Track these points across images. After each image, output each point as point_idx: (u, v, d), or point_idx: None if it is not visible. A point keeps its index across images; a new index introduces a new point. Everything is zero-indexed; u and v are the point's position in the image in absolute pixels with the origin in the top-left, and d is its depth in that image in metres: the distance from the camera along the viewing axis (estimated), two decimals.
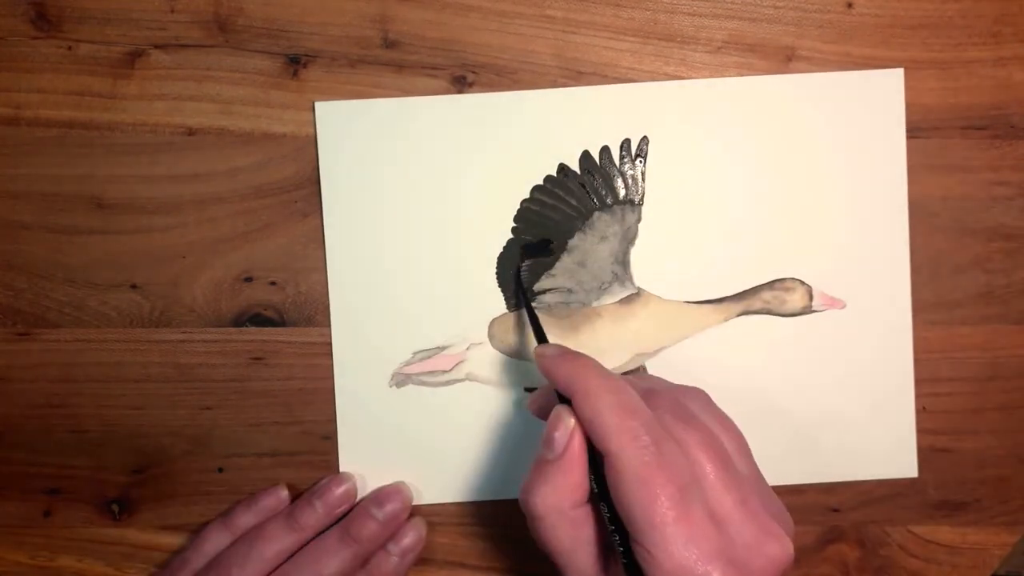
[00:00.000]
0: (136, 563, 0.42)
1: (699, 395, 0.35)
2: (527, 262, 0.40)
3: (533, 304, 0.41)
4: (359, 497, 0.41)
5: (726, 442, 0.33)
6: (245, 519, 0.40)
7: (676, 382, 0.41)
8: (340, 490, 0.40)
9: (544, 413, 0.35)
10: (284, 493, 0.41)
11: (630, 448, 0.31)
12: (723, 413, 0.35)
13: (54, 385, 0.41)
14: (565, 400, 0.33)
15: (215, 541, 0.40)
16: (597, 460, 0.32)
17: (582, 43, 0.40)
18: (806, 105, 0.40)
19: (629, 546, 0.30)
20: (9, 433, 0.42)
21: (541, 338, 0.37)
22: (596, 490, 0.32)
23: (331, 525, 0.40)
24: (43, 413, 0.41)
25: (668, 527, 0.30)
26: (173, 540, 0.42)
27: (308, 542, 0.39)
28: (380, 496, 0.40)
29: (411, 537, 0.40)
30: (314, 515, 0.39)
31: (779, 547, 0.31)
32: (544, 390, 0.37)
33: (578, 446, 0.32)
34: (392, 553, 0.40)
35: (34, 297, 0.41)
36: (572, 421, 0.32)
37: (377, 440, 0.41)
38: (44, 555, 0.42)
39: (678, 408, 0.33)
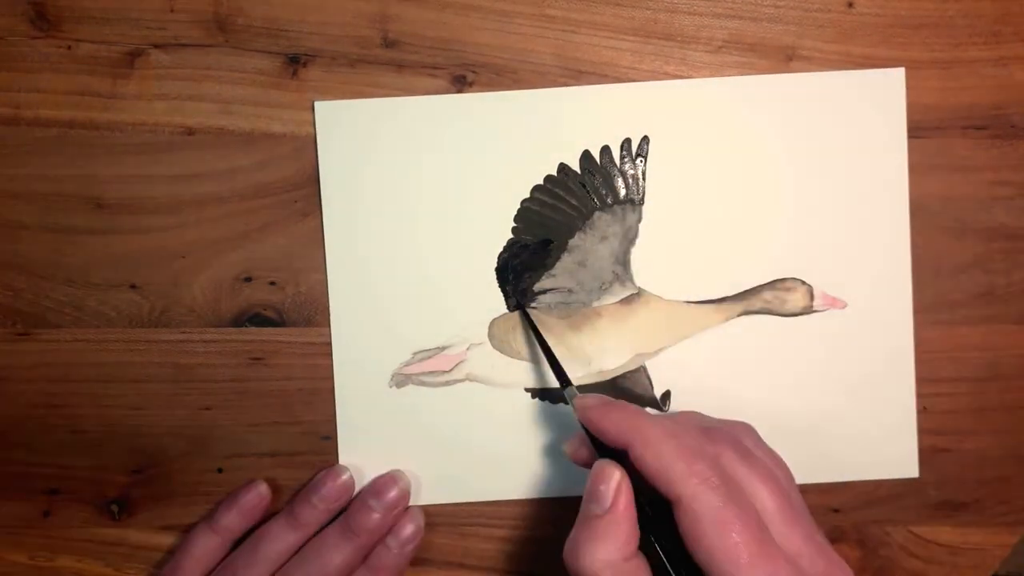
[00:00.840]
0: (136, 563, 0.42)
1: (750, 430, 0.36)
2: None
3: (533, 305, 0.41)
4: (358, 488, 0.41)
5: (781, 477, 0.34)
6: (229, 518, 0.40)
7: (674, 382, 0.41)
8: (337, 483, 0.40)
9: (588, 461, 0.35)
10: (263, 488, 0.40)
11: (702, 492, 0.31)
12: (770, 447, 0.35)
13: (54, 385, 0.41)
14: (604, 450, 0.34)
15: (203, 544, 0.40)
16: (651, 509, 0.32)
17: (582, 43, 0.40)
18: (806, 105, 0.40)
19: None
20: (9, 433, 0.42)
21: (565, 381, 0.37)
22: (656, 540, 0.32)
23: (332, 519, 0.40)
24: (43, 413, 0.41)
25: (750, 568, 0.30)
26: (172, 540, 0.42)
27: (310, 538, 0.39)
28: (377, 486, 0.40)
29: (410, 528, 0.40)
30: (314, 512, 0.40)
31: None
32: (582, 438, 0.36)
33: (626, 498, 0.32)
34: (391, 547, 0.40)
35: (34, 297, 0.41)
36: (618, 474, 0.33)
37: (377, 440, 0.41)
38: (44, 555, 0.42)
39: (736, 445, 0.34)
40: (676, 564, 0.32)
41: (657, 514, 0.33)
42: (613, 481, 0.33)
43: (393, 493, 0.40)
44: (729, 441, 0.34)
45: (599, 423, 0.34)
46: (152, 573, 0.42)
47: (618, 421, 0.33)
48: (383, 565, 0.40)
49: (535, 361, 0.41)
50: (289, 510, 0.40)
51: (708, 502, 0.31)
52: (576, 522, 0.33)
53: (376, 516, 0.39)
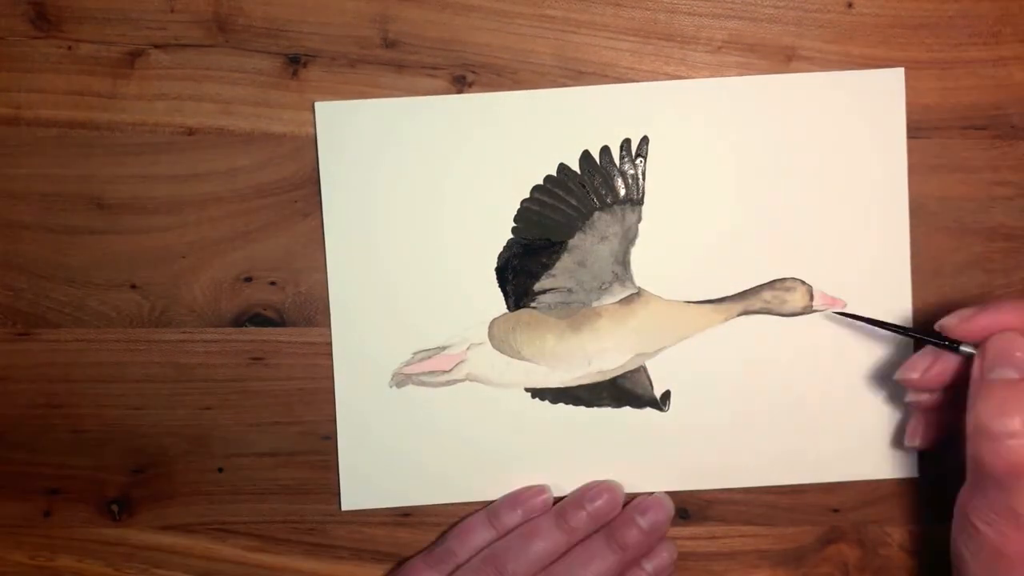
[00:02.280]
0: (136, 563, 0.42)
1: None
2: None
3: (533, 305, 0.41)
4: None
5: None
6: (510, 517, 0.40)
7: (674, 382, 0.41)
8: (608, 496, 0.40)
9: (939, 381, 0.36)
10: (550, 496, 0.41)
11: None
12: None
13: (54, 385, 0.41)
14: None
15: (481, 535, 0.40)
16: None
17: (582, 43, 0.40)
18: (806, 105, 0.40)
19: None
20: (9, 433, 0.42)
21: (902, 329, 0.38)
22: None
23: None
24: (43, 413, 0.41)
25: None
26: (173, 540, 0.42)
27: (574, 544, 0.39)
28: (643, 505, 0.40)
29: (666, 556, 0.40)
30: (583, 519, 0.39)
31: None
32: (927, 354, 0.37)
33: None
34: (646, 570, 0.40)
35: (34, 297, 0.41)
36: None
37: (377, 440, 0.41)
38: (44, 555, 0.42)
39: None
40: None
41: None
42: None
43: (658, 514, 0.40)
44: None
45: (999, 317, 0.35)
46: (422, 550, 0.41)
47: (1017, 308, 0.35)
48: None
49: (535, 361, 0.41)
50: (559, 512, 0.40)
51: None
52: (982, 391, 0.34)
53: (640, 532, 0.39)
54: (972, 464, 0.34)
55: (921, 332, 0.38)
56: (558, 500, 0.41)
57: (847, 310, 0.40)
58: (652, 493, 0.41)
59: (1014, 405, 0.33)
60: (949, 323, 0.36)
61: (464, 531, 0.40)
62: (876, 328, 0.39)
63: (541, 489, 0.41)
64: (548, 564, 0.39)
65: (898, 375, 0.38)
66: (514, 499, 0.40)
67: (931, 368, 0.37)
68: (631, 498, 0.41)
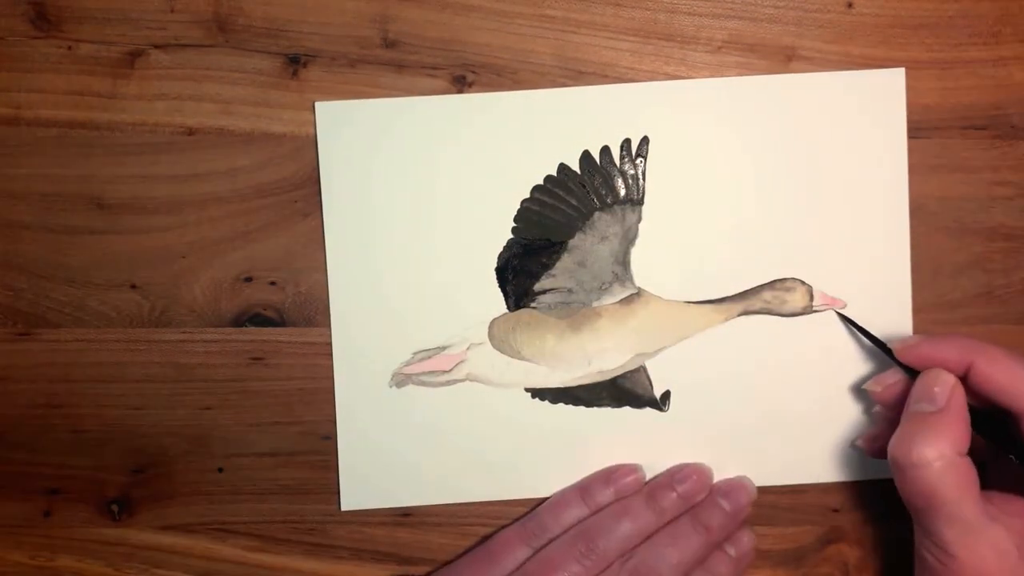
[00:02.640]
0: (136, 563, 0.42)
1: None
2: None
3: (533, 305, 0.41)
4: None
5: None
6: (603, 495, 0.40)
7: (674, 382, 0.41)
8: (698, 478, 0.40)
9: (899, 400, 0.37)
10: (642, 474, 0.41)
11: None
12: None
13: (54, 385, 0.41)
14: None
15: (574, 512, 0.40)
16: (991, 417, 0.35)
17: (582, 43, 0.40)
18: (806, 105, 0.40)
19: None
20: (9, 433, 0.42)
21: (881, 344, 0.39)
22: (998, 441, 0.35)
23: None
24: (43, 413, 0.41)
25: None
26: (173, 540, 0.42)
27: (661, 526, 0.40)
28: (726, 488, 0.40)
29: (745, 542, 0.40)
30: (671, 500, 0.40)
31: None
32: (890, 373, 0.38)
33: (960, 398, 0.35)
34: (730, 554, 0.40)
35: (34, 297, 0.41)
36: (952, 378, 0.36)
37: (377, 440, 0.41)
38: (44, 555, 0.42)
39: None
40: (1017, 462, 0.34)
41: (993, 424, 0.35)
42: (948, 384, 0.35)
43: (741, 497, 0.40)
44: None
45: (934, 352, 0.37)
46: (514, 522, 0.41)
47: (955, 346, 0.36)
48: (718, 572, 0.40)
49: (535, 361, 0.41)
50: (650, 492, 0.40)
51: None
52: (905, 420, 0.36)
53: (723, 515, 0.39)
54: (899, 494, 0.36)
55: (887, 349, 0.39)
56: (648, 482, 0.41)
57: (846, 312, 0.40)
58: (735, 477, 0.41)
59: (922, 437, 0.34)
60: (897, 347, 0.38)
61: (557, 506, 0.40)
62: (860, 336, 0.40)
63: (633, 468, 0.41)
64: (637, 543, 0.39)
65: (866, 385, 0.39)
66: (607, 476, 0.41)
67: (894, 386, 0.38)
68: None
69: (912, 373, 0.37)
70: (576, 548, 0.38)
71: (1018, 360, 0.35)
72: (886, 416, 0.39)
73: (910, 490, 0.35)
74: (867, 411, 0.41)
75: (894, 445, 0.35)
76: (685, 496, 0.40)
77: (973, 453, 0.35)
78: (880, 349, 0.39)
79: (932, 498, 0.34)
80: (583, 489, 0.40)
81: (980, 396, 0.36)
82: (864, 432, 0.40)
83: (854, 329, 0.40)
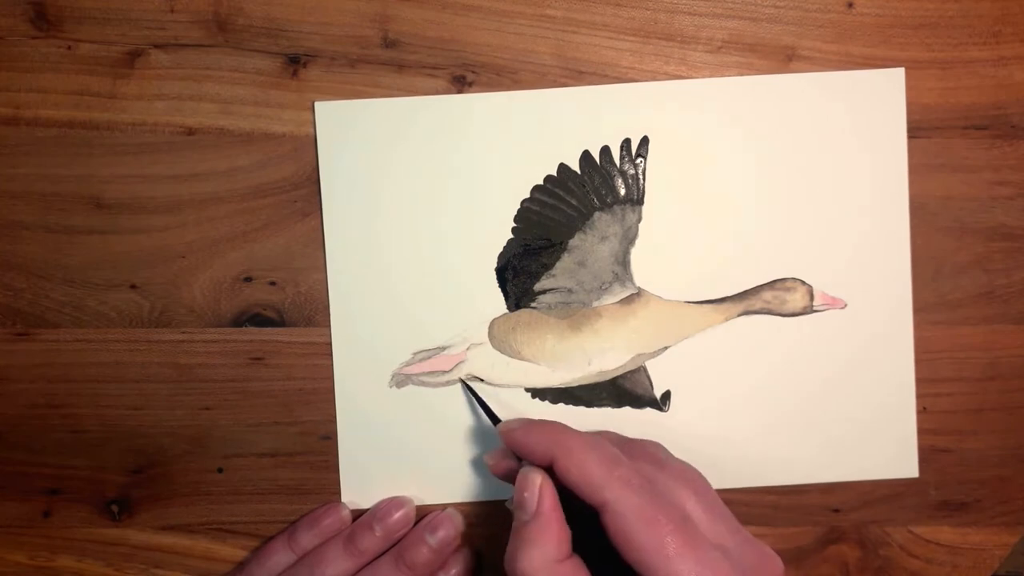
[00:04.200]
0: (136, 563, 0.42)
1: (659, 445, 0.38)
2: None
3: (533, 305, 0.41)
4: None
5: (698, 480, 0.35)
6: (308, 539, 0.40)
7: (674, 382, 0.41)
8: (399, 514, 0.40)
9: (510, 476, 0.36)
10: (346, 513, 0.41)
11: (626, 494, 0.32)
12: (681, 460, 0.37)
13: (54, 385, 0.41)
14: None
15: (279, 559, 0.40)
16: (581, 515, 0.33)
17: (582, 43, 0.40)
18: (806, 105, 0.40)
19: None
20: (9, 433, 0.42)
21: (495, 419, 0.39)
22: (585, 542, 0.33)
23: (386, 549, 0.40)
24: (43, 413, 0.41)
25: (680, 560, 0.31)
26: (172, 540, 0.42)
27: (364, 566, 0.39)
28: (433, 523, 0.40)
29: (459, 568, 0.40)
30: (373, 539, 0.39)
31: (778, 566, 0.33)
32: (503, 451, 0.37)
33: (550, 500, 0.33)
34: None
35: (34, 297, 0.41)
36: (539, 477, 0.34)
37: (377, 440, 0.41)
38: (44, 555, 0.42)
39: (652, 456, 0.36)
40: (610, 564, 0.32)
41: (587, 524, 0.33)
42: (535, 486, 0.34)
43: (447, 531, 0.40)
44: (645, 452, 0.36)
45: (524, 442, 0.35)
46: (229, 572, 0.42)
47: (540, 437, 0.34)
48: None
49: (535, 361, 0.41)
50: (349, 535, 0.40)
51: (632, 502, 0.32)
52: (510, 535, 0.34)
53: (429, 551, 0.39)
54: None
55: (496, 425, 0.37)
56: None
57: (846, 311, 0.40)
58: (444, 508, 0.41)
59: (522, 551, 0.33)
60: (500, 429, 0.36)
61: (264, 554, 0.40)
62: (480, 410, 0.40)
63: (336, 508, 0.41)
64: None
65: (484, 456, 0.38)
66: (311, 520, 0.41)
67: (503, 463, 0.37)
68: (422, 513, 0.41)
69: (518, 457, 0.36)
70: None
71: (591, 451, 0.33)
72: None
73: None
74: (892, 404, 0.41)
75: (505, 563, 0.33)
76: (387, 533, 0.40)
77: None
78: (491, 421, 0.39)
79: None
80: (289, 534, 0.40)
81: (571, 489, 0.34)
82: (489, 454, 0.39)
83: (475, 401, 0.40)
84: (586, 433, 0.35)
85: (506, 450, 0.37)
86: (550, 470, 0.34)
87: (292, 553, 0.40)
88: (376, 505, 0.41)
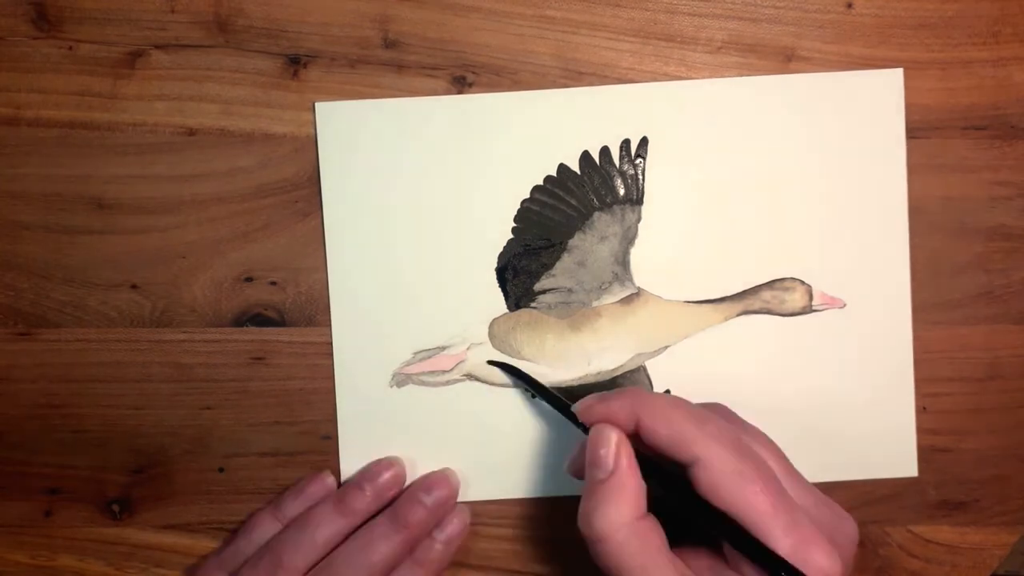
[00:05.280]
0: (136, 563, 0.42)
1: (728, 407, 0.38)
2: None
3: (533, 305, 0.41)
4: (406, 483, 0.41)
5: (772, 442, 0.36)
6: (293, 508, 0.40)
7: (674, 382, 0.41)
8: (389, 474, 0.40)
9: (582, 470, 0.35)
10: (330, 480, 0.41)
11: (717, 449, 0.32)
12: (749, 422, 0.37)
13: (54, 385, 0.41)
14: None
15: (264, 529, 0.40)
16: (667, 472, 0.34)
17: (582, 43, 0.40)
18: (806, 105, 0.40)
19: (745, 538, 0.31)
20: (9, 433, 0.42)
21: (562, 403, 0.38)
22: (673, 495, 0.33)
23: (380, 511, 0.40)
24: (43, 413, 0.41)
25: (773, 516, 0.31)
26: (173, 540, 0.42)
27: (357, 527, 0.39)
28: (428, 482, 0.40)
29: (455, 524, 0.40)
30: (363, 499, 0.39)
31: (852, 526, 0.34)
32: (581, 447, 0.36)
33: (628, 457, 0.33)
34: (437, 540, 0.40)
35: (34, 297, 0.41)
36: (615, 435, 0.34)
37: (377, 440, 0.41)
38: (44, 555, 0.42)
39: (728, 416, 0.36)
40: (698, 515, 0.33)
41: (669, 479, 0.33)
42: (612, 443, 0.34)
43: (443, 491, 0.40)
44: (721, 412, 0.36)
45: (605, 411, 0.35)
46: (212, 552, 0.41)
47: (622, 401, 0.34)
48: (427, 559, 0.39)
49: (535, 361, 0.41)
50: (339, 496, 0.39)
51: (724, 457, 0.32)
52: (583, 493, 0.34)
53: (424, 510, 0.39)
54: None
55: (567, 410, 0.37)
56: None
57: (845, 311, 0.41)
58: (439, 470, 0.41)
59: (599, 509, 0.32)
60: (576, 408, 0.36)
61: (249, 528, 0.40)
62: (544, 400, 0.39)
63: (321, 476, 0.41)
64: (329, 551, 0.38)
65: (565, 468, 0.38)
66: (296, 490, 0.40)
67: (580, 458, 0.36)
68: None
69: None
70: (263, 566, 0.38)
71: (680, 411, 0.33)
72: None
73: (599, 564, 0.33)
74: (891, 404, 0.41)
75: (579, 520, 0.33)
76: (378, 493, 0.39)
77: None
78: (562, 414, 0.37)
79: (620, 569, 0.32)
80: (274, 505, 0.40)
81: (655, 451, 0.34)
82: (569, 456, 0.38)
83: (537, 391, 0.39)
84: (664, 394, 0.35)
85: (581, 444, 0.36)
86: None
87: (278, 523, 0.40)
88: (366, 466, 0.41)
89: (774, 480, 0.32)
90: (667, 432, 0.33)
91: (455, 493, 0.40)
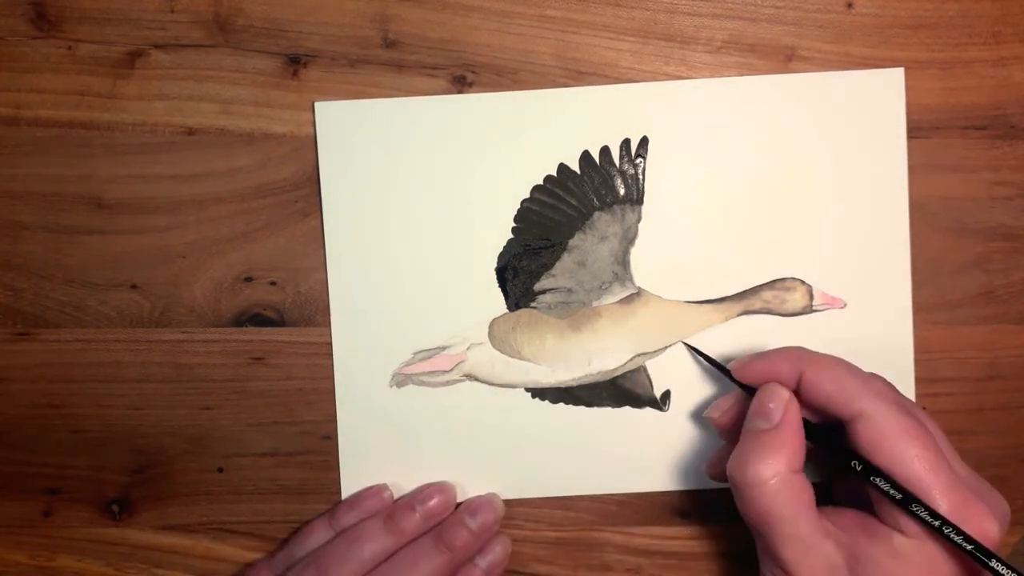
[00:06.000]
0: (136, 563, 0.42)
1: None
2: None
3: (533, 304, 0.41)
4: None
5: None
6: (349, 519, 0.40)
7: (674, 382, 0.41)
8: (438, 499, 0.40)
9: (735, 427, 0.37)
10: (387, 494, 0.41)
11: (882, 405, 0.33)
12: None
13: (54, 385, 0.41)
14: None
15: (318, 536, 0.40)
16: (828, 429, 0.35)
17: (582, 43, 0.40)
18: (806, 105, 0.40)
19: (907, 497, 0.32)
20: (9, 433, 0.42)
21: (720, 367, 0.39)
22: (837, 456, 0.34)
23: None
24: (43, 413, 0.41)
25: (934, 475, 0.32)
26: (173, 540, 0.42)
27: (403, 546, 0.39)
28: (473, 506, 0.40)
29: (498, 552, 0.40)
30: (412, 520, 0.39)
31: (1005, 504, 0.35)
32: (729, 399, 0.38)
33: (795, 413, 0.35)
34: (479, 566, 0.40)
35: (34, 297, 0.41)
36: (787, 393, 0.35)
37: (377, 440, 0.41)
38: (44, 555, 0.42)
39: (885, 380, 0.36)
40: (856, 472, 0.34)
41: (828, 435, 0.35)
42: (782, 399, 0.35)
43: (488, 515, 0.40)
44: (876, 375, 0.36)
45: (767, 366, 0.36)
46: (268, 555, 0.41)
47: (786, 355, 0.36)
48: None
49: (535, 361, 0.41)
50: (389, 514, 0.39)
51: (889, 412, 0.33)
52: (741, 439, 0.35)
53: (469, 534, 0.39)
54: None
55: (726, 371, 0.38)
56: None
57: (846, 311, 0.40)
58: (483, 495, 0.41)
59: (758, 455, 0.34)
60: (733, 367, 0.37)
61: (304, 534, 0.40)
62: (700, 359, 0.40)
63: (379, 490, 0.41)
64: (374, 567, 0.38)
65: (705, 412, 0.39)
66: (353, 501, 0.41)
67: (730, 410, 0.38)
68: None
69: (750, 391, 0.37)
70: (307, 574, 0.38)
71: (845, 367, 0.35)
72: (729, 440, 0.38)
73: (747, 510, 0.34)
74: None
75: (731, 464, 0.35)
76: (427, 515, 0.39)
77: (811, 471, 0.35)
78: (719, 371, 0.39)
79: (768, 516, 0.34)
80: (330, 515, 0.40)
81: (814, 407, 0.35)
82: (709, 457, 0.40)
83: (695, 354, 0.40)
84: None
85: (733, 396, 0.38)
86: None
87: (332, 532, 0.40)
88: (417, 488, 0.41)
89: (935, 442, 0.33)
90: (832, 387, 0.34)
91: (499, 519, 0.40)
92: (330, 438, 0.41)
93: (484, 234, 0.41)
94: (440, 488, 0.40)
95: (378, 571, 0.38)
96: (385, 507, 0.40)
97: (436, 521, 0.40)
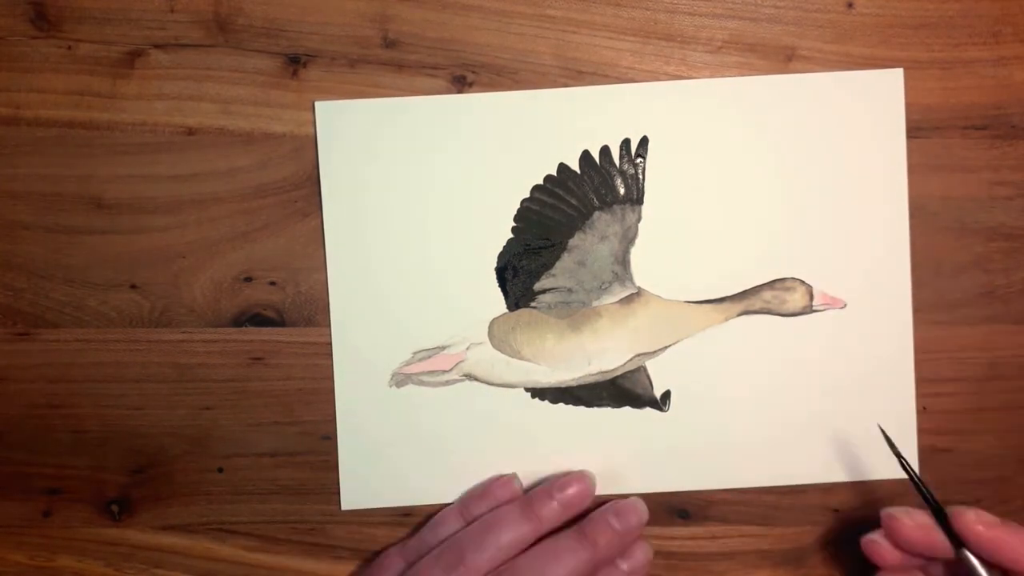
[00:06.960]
0: (136, 563, 0.42)
1: None
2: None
3: (533, 304, 0.41)
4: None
5: None
6: (479, 508, 0.40)
7: (674, 382, 0.41)
8: (575, 488, 0.39)
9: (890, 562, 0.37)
10: (516, 484, 0.40)
11: None
12: None
13: (54, 385, 0.41)
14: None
15: (450, 526, 0.40)
16: None
17: (582, 43, 0.40)
18: (806, 105, 0.40)
19: None
20: (9, 433, 0.42)
21: (931, 498, 0.37)
22: None
23: (563, 525, 0.39)
24: (43, 413, 0.41)
25: None
26: (173, 540, 0.42)
27: (541, 537, 0.39)
28: (618, 507, 0.39)
29: (640, 557, 0.40)
30: (551, 508, 0.39)
31: None
32: (923, 518, 0.37)
33: None
34: (621, 568, 0.39)
35: (34, 297, 0.41)
36: None
37: (377, 440, 0.41)
38: (44, 555, 0.42)
39: None
40: None
41: None
42: None
43: (633, 518, 0.39)
44: None
45: (998, 543, 0.35)
46: (400, 543, 0.41)
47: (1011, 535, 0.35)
48: None
49: (535, 361, 0.41)
50: (527, 501, 0.39)
51: None
52: None
53: (614, 534, 0.38)
54: None
55: (939, 510, 0.37)
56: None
57: (845, 312, 0.40)
58: (630, 499, 0.40)
59: None
60: (965, 518, 0.36)
61: (437, 523, 0.40)
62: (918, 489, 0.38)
63: (509, 479, 0.40)
64: (512, 555, 0.38)
65: (887, 510, 0.38)
66: (484, 492, 0.40)
67: (918, 529, 0.37)
68: (599, 502, 0.40)
69: (956, 543, 0.36)
70: (444, 560, 0.37)
71: None
72: (886, 551, 0.38)
73: None
74: (891, 404, 0.40)
75: None
76: (565, 504, 0.39)
77: None
78: (931, 510, 0.37)
79: None
80: (462, 504, 0.40)
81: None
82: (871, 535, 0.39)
83: (915, 480, 0.38)
84: None
85: (925, 517, 0.37)
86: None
87: (464, 522, 0.40)
88: (555, 476, 0.40)
89: None
90: None
91: (643, 523, 0.40)
92: (330, 438, 0.41)
93: (484, 234, 0.41)
94: (579, 477, 0.40)
95: (518, 561, 0.37)
96: (515, 496, 0.40)
97: (574, 510, 0.39)
